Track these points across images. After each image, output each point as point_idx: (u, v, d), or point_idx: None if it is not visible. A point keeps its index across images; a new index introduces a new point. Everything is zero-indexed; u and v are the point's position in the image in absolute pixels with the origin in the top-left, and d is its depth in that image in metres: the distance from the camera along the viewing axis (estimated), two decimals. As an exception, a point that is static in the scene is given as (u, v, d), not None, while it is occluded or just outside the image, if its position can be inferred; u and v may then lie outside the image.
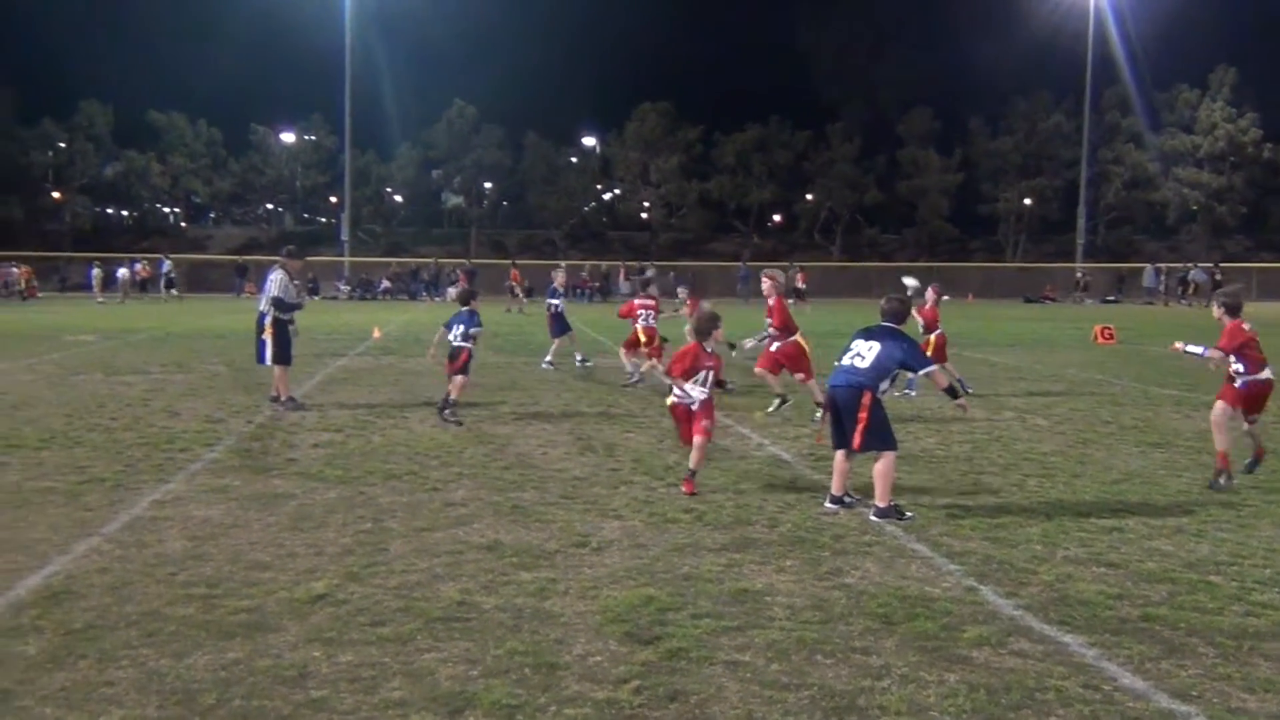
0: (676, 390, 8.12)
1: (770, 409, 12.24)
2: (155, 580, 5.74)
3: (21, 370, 16.44)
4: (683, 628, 5.06)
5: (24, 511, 7.28)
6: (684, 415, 8.24)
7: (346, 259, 60.86)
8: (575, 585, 5.72)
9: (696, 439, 8.07)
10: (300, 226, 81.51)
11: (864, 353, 7.49)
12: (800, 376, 12.10)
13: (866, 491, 7.61)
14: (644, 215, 77.39)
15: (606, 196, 79.72)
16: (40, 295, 50.75)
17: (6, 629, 4.94)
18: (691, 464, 8.12)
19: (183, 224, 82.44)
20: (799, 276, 45.61)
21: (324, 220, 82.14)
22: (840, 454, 7.55)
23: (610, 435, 10.76)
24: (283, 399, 12.56)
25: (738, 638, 4.95)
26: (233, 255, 64.13)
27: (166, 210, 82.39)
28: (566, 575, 5.91)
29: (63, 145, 71.29)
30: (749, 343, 12.76)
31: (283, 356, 12.60)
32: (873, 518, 7.23)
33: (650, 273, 42.65)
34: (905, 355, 7.56)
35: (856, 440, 7.29)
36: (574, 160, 77.54)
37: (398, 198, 79.17)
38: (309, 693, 4.28)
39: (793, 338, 12.03)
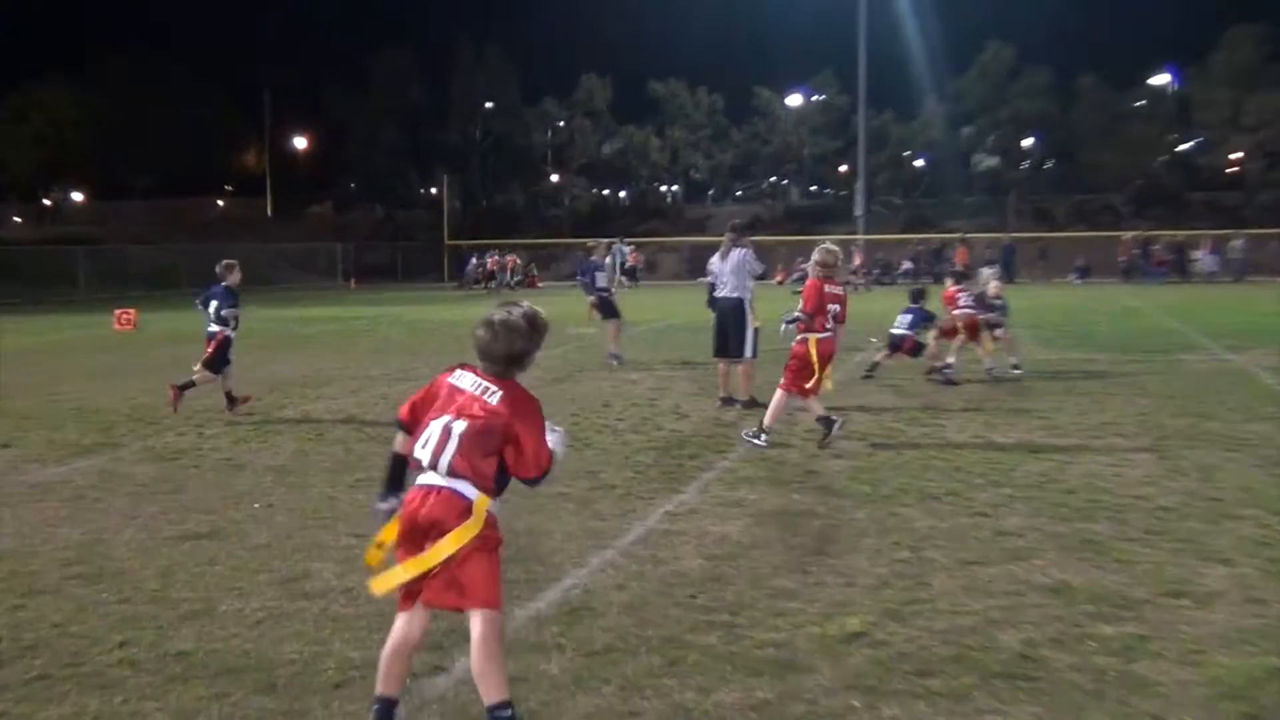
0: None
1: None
2: (674, 602, 6.12)
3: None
4: (1329, 716, 4.53)
5: (539, 518, 8.10)
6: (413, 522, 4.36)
7: (861, 236, 61.90)
8: (1173, 646, 5.33)
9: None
10: (807, 200, 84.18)
11: None
12: (781, 382, 10.93)
13: None
14: (1235, 170, 71.30)
15: (1184, 148, 74.22)
16: (541, 285, 56.71)
17: (531, 644, 5.51)
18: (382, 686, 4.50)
19: (676, 203, 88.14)
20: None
21: (832, 193, 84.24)
22: None
23: (1204, 455, 9.95)
24: (743, 399, 13.36)
25: None
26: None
27: (664, 189, 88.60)
28: (1159, 632, 5.52)
29: (561, 124, 79.29)
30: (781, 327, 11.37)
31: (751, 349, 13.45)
32: None
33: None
34: None
35: None
36: (1140, 105, 73.08)
37: (918, 163, 79.09)
38: (850, 749, 4.34)
39: (819, 334, 10.73)
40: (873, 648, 5.40)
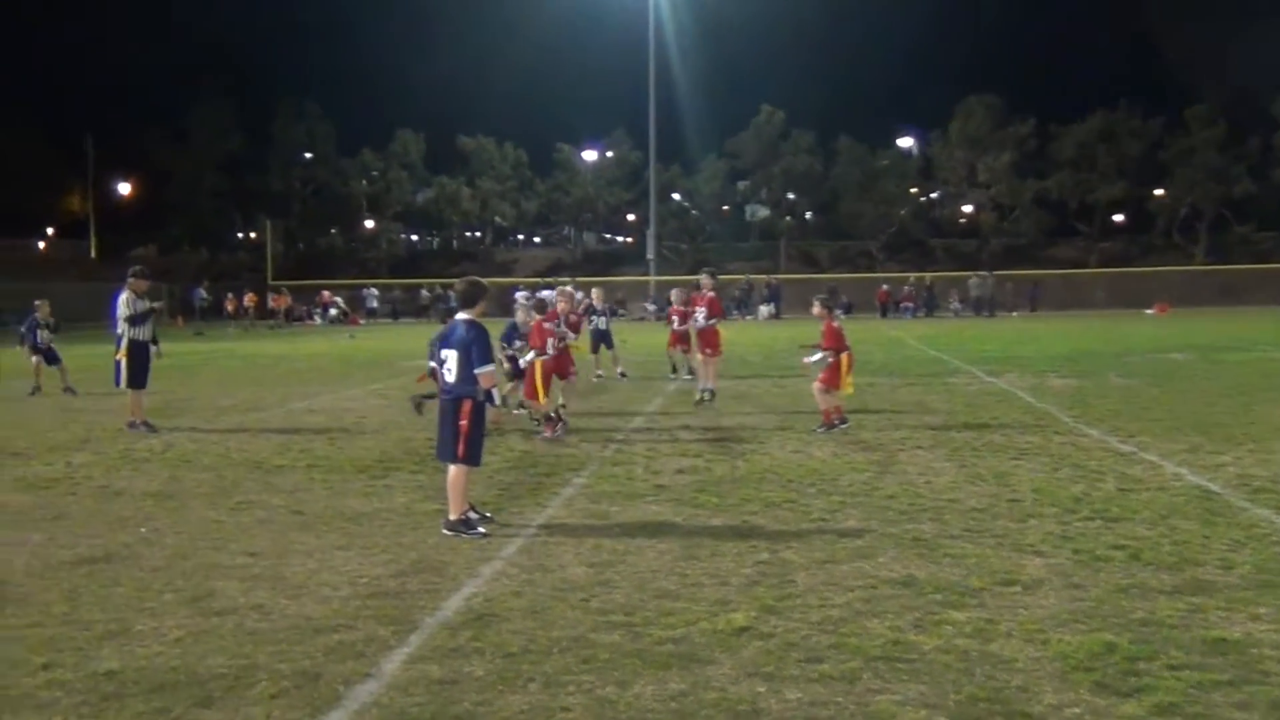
0: None
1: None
2: (570, 606, 6.04)
3: (369, 395, 17.92)
4: (1163, 680, 4.77)
5: (421, 533, 7.89)
6: None
7: (652, 278, 62.65)
8: (1017, 628, 5.53)
9: None
10: (602, 246, 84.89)
11: None
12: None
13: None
14: (963, 220, 75.44)
15: (931, 196, 77.88)
16: (362, 323, 55.56)
17: (449, 649, 5.34)
18: None
19: (485, 246, 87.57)
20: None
21: (623, 239, 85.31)
22: None
23: (996, 463, 10.40)
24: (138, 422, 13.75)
25: (1234, 694, 4.61)
26: (537, 278, 67.68)
27: (469, 235, 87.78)
28: (1002, 616, 5.72)
29: (376, 174, 77.87)
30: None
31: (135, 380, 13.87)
32: (1354, 561, 6.58)
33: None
34: None
35: None
36: (888, 163, 76.39)
37: (694, 211, 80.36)
38: (769, 730, 4.35)
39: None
40: (761, 639, 5.43)
